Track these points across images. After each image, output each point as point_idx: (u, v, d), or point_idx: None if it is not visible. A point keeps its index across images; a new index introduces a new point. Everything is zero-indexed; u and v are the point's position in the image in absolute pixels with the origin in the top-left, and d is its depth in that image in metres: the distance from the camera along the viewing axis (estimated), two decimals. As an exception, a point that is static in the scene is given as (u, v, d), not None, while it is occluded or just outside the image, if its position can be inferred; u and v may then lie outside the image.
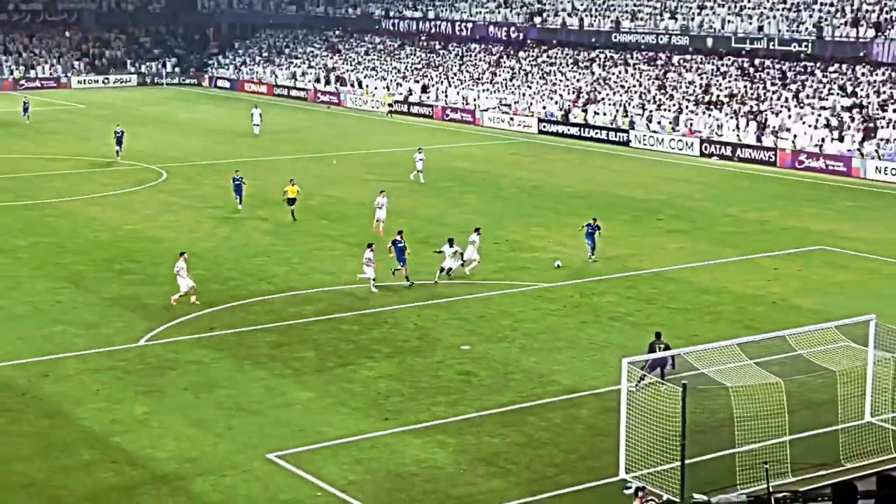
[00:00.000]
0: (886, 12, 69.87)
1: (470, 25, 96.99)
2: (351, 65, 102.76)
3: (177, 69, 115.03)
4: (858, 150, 60.35)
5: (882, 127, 62.38)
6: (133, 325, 32.77)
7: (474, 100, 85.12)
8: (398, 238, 37.21)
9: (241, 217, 48.18)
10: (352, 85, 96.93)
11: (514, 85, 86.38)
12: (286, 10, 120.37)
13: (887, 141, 60.67)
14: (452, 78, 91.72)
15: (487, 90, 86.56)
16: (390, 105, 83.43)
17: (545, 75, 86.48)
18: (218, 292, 36.21)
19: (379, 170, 61.28)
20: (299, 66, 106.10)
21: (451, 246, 37.39)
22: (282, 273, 38.93)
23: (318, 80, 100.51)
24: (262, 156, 66.24)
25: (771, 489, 19.20)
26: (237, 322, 32.93)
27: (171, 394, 27.24)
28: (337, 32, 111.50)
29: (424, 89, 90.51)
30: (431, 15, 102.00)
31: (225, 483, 22.31)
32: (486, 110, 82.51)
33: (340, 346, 30.77)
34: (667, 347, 27.10)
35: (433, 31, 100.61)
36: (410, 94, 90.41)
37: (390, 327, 32.58)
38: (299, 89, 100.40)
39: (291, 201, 47.51)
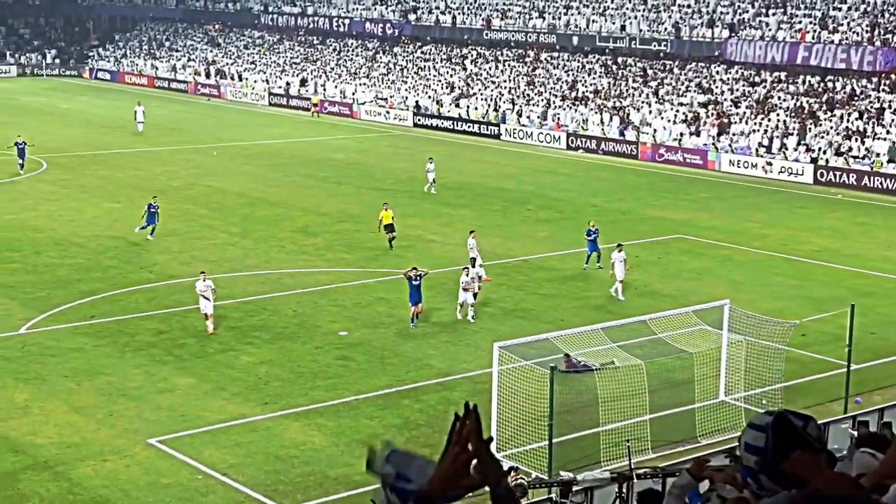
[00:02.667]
0: (739, 14, 72.78)
1: (347, 21, 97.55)
2: (230, 58, 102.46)
3: (57, 61, 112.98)
4: (714, 144, 62.84)
5: (735, 122, 65.06)
6: (13, 313, 32.76)
7: (352, 94, 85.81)
8: None
9: (122, 207, 48.04)
10: (231, 78, 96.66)
11: (389, 79, 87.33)
12: (166, 3, 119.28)
13: (740, 135, 63.31)
14: (330, 72, 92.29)
15: (364, 84, 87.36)
16: (315, 105, 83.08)
17: (419, 70, 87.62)
18: (99, 280, 36.34)
19: (259, 160, 61.58)
20: (179, 59, 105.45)
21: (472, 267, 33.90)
22: (163, 261, 39.17)
23: (198, 73, 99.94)
24: (143, 146, 65.83)
25: (633, 466, 20.09)
26: (118, 310, 33.18)
27: (52, 381, 27.45)
28: (217, 26, 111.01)
29: (303, 83, 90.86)
30: (310, 11, 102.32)
31: (106, 468, 22.67)
32: (363, 104, 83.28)
33: (221, 333, 31.27)
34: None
35: (311, 26, 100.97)
36: (289, 87, 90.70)
37: (270, 314, 33.19)
38: (179, 81, 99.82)
39: (389, 228, 41.28)
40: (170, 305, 33.74)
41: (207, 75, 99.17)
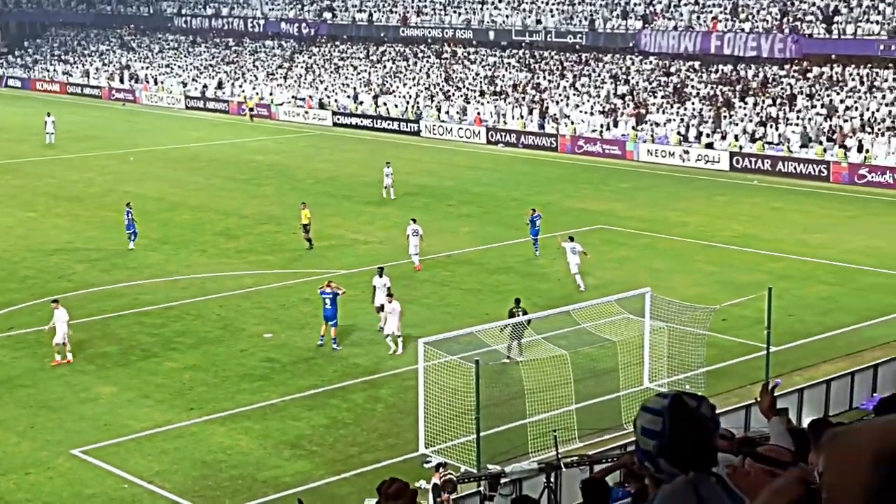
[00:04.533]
0: (652, 5, 73.64)
1: (262, 22, 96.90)
2: (145, 62, 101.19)
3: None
4: (632, 134, 63.48)
5: (652, 112, 65.82)
6: (-75, 328, 32.12)
7: (269, 94, 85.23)
8: None
9: (39, 217, 47.25)
10: (146, 82, 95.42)
11: (307, 79, 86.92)
12: (76, 8, 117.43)
13: (657, 125, 64.05)
14: (247, 73, 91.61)
15: (281, 85, 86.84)
16: (251, 109, 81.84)
17: (337, 69, 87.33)
18: (16, 291, 35.74)
19: (178, 164, 60.95)
20: (92, 64, 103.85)
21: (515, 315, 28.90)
22: (81, 270, 38.61)
23: (111, 78, 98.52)
24: (57, 154, 64.76)
25: (560, 455, 20.22)
26: (36, 321, 32.58)
27: (-30, 395, 26.98)
28: (129, 30, 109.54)
29: (220, 85, 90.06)
30: (224, 12, 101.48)
31: (29, 481, 22.36)
32: (281, 104, 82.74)
33: (143, 340, 30.94)
34: (524, 313, 28.51)
35: (226, 27, 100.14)
36: (206, 90, 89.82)
37: (193, 319, 32.89)
38: (93, 87, 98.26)
39: (306, 228, 41.29)
40: (91, 314, 33.26)
41: (121, 80, 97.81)
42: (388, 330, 29.83)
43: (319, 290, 30.89)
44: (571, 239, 36.03)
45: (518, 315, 28.48)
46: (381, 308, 30.79)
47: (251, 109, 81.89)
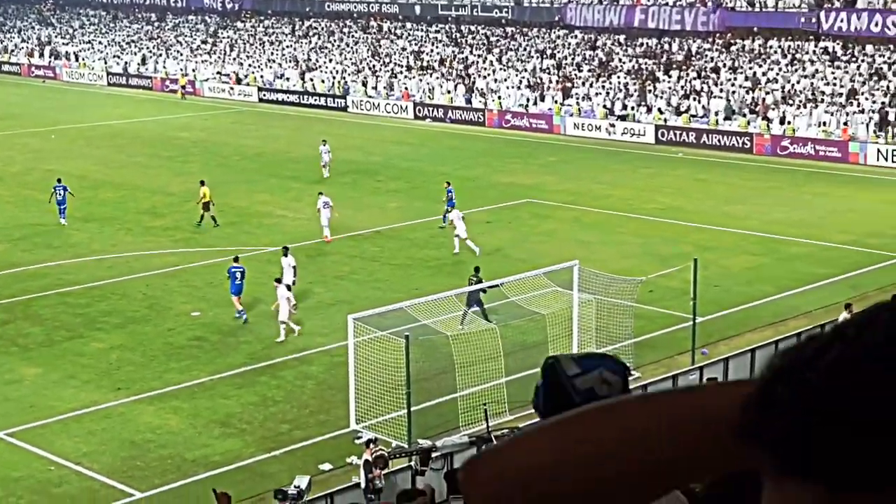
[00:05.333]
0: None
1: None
2: (65, 38, 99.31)
3: None
4: (559, 108, 63.77)
5: (578, 86, 66.14)
6: None
7: (192, 70, 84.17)
8: None
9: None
10: (67, 58, 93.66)
11: (232, 55, 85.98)
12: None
13: (583, 98, 64.39)
14: (171, 49, 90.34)
15: (206, 61, 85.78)
16: (183, 87, 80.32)
17: (262, 45, 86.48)
18: (-68, 274, 35.05)
19: (101, 142, 60.05)
20: (11, 41, 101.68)
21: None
22: (3, 250, 37.93)
23: (31, 55, 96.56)
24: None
25: (490, 428, 20.35)
26: (-44, 303, 32.06)
27: None
28: (48, 5, 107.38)
29: (143, 61, 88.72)
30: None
31: (-46, 465, 22.08)
32: (205, 80, 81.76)
33: (68, 320, 30.52)
34: (480, 282, 28.67)
35: (148, 2, 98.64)
36: (128, 66, 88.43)
37: (119, 298, 32.48)
38: (12, 64, 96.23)
39: (207, 206, 40.60)
40: (13, 294, 32.72)
41: (41, 56, 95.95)
42: (282, 317, 29.08)
43: (229, 268, 31.02)
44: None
45: (471, 283, 28.79)
46: (290, 287, 30.56)
47: (183, 87, 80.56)
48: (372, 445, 20.52)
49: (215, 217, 40.59)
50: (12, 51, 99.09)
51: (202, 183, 41.50)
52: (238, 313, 30.46)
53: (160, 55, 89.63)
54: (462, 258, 35.94)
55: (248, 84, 78.79)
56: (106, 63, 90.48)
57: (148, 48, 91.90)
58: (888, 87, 56.91)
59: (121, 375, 26.67)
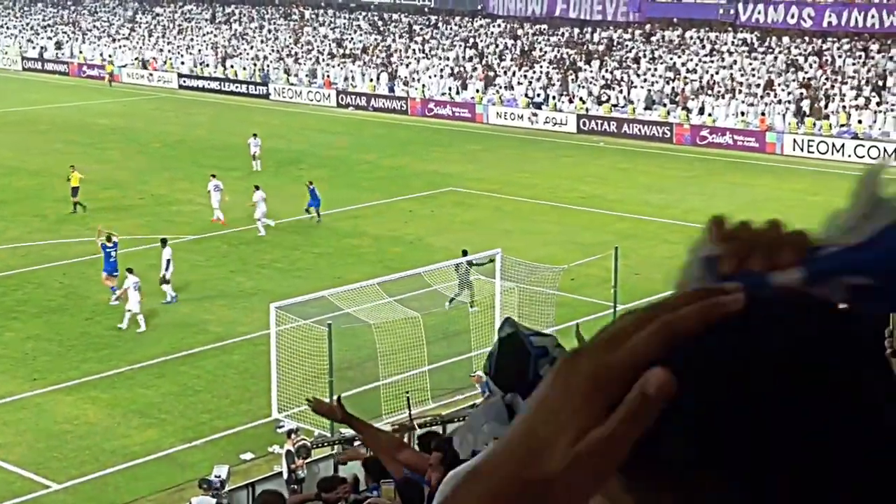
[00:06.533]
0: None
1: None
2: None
3: None
4: (481, 97, 63.93)
5: (500, 75, 66.36)
6: None
7: (109, 56, 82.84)
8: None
9: None
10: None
11: (151, 41, 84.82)
12: None
13: (505, 88, 64.62)
14: (88, 34, 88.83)
15: (124, 46, 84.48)
16: (111, 74, 78.52)
17: (182, 31, 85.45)
18: None
19: (16, 128, 58.90)
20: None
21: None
22: (-88, 239, 37.11)
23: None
24: None
25: (413, 416, 20.37)
26: None
27: None
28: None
29: (59, 46, 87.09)
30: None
31: None
32: (123, 66, 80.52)
33: (-21, 310, 29.92)
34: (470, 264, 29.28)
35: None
36: (44, 51, 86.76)
37: (35, 287, 31.90)
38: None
39: (75, 191, 40.52)
40: (-75, 284, 32.01)
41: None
42: (131, 307, 28.83)
43: (101, 244, 31.17)
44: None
45: (461, 267, 29.06)
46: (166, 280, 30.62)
47: (111, 74, 78.97)
48: (293, 435, 20.41)
49: (80, 203, 40.15)
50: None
51: (72, 168, 41.05)
52: (113, 290, 30.26)
53: (77, 40, 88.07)
54: (379, 248, 35.86)
55: (167, 70, 77.83)
56: (21, 48, 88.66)
57: (64, 33, 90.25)
58: (804, 78, 57.91)
59: (37, 365, 26.22)
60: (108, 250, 30.94)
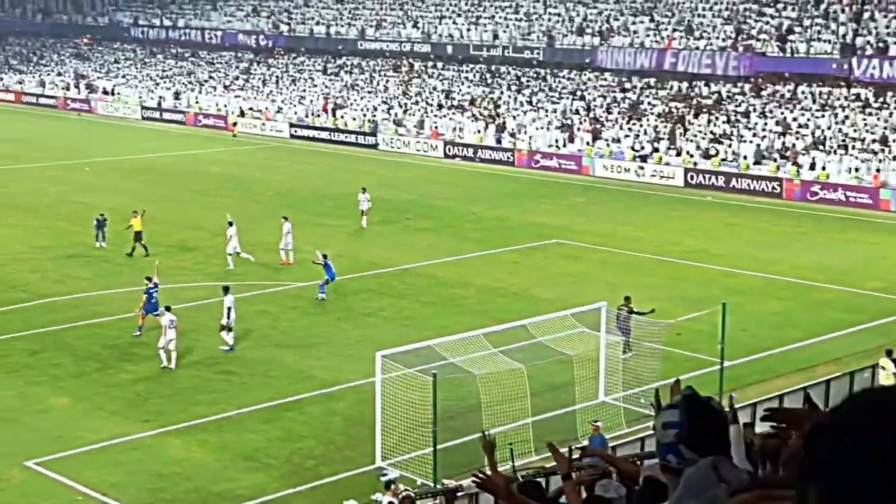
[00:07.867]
0: (608, 22, 74.31)
1: (219, 34, 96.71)
2: (101, 72, 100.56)
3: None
4: (587, 149, 63.89)
5: (608, 128, 66.30)
6: None
7: (225, 105, 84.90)
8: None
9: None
10: (103, 92, 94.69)
11: (265, 91, 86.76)
12: (32, 17, 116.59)
13: (613, 140, 64.53)
14: (204, 84, 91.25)
15: (238, 97, 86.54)
16: (234, 124, 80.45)
17: (295, 82, 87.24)
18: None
19: (133, 175, 60.58)
20: (48, 74, 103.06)
21: None
22: (35, 280, 38.28)
23: (67, 88, 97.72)
24: (10, 164, 64.09)
25: (516, 468, 20.32)
26: (-16, 332, 32.32)
27: (-79, 407, 26.66)
28: (85, 40, 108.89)
29: (177, 96, 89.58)
30: (181, 23, 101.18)
31: (-18, 493, 22.22)
32: (241, 116, 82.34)
33: (98, 351, 30.74)
34: (630, 311, 29.23)
35: (183, 38, 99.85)
36: (162, 101, 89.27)
37: (148, 331, 32.62)
38: (48, 97, 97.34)
39: (138, 235, 41.90)
40: (44, 325, 33.01)
41: (77, 90, 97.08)
42: (162, 343, 29.58)
43: (145, 287, 32.46)
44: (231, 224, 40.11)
45: (623, 312, 29.15)
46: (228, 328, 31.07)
47: (234, 125, 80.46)
48: (393, 486, 20.50)
49: (143, 246, 41.41)
50: (49, 84, 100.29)
51: (135, 213, 42.20)
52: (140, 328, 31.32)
53: (193, 90, 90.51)
54: (483, 298, 35.94)
55: (279, 120, 79.39)
56: (140, 97, 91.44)
57: (182, 83, 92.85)
58: (919, 135, 56.74)
59: (148, 407, 26.82)
60: (150, 291, 32.18)
